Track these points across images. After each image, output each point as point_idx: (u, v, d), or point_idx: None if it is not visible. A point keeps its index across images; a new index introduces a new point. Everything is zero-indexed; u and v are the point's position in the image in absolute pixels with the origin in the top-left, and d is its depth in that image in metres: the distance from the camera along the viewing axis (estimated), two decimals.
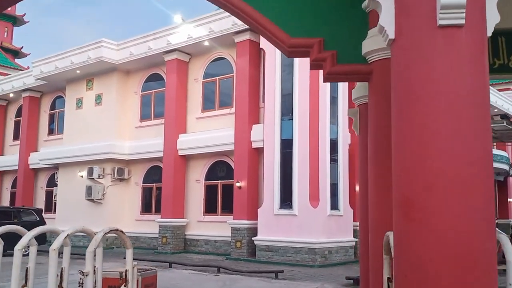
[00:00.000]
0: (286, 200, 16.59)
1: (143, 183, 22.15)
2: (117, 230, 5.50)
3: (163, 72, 21.45)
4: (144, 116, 22.34)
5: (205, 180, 19.93)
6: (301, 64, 16.64)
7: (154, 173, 21.84)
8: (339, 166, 17.24)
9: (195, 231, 19.70)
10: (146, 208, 21.98)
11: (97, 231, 4.94)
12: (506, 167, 25.62)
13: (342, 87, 17.50)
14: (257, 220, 17.03)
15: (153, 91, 22.17)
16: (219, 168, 19.74)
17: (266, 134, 17.16)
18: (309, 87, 16.54)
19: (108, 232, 5.32)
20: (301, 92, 16.64)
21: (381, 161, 4.16)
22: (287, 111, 17.01)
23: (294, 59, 16.78)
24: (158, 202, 21.01)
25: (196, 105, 20.45)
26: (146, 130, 21.94)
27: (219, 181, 19.57)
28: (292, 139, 16.63)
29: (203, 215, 19.73)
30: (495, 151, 24.90)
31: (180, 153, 20.11)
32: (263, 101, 17.80)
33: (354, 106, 19.02)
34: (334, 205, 16.80)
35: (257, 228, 16.97)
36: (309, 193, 16.12)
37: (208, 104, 20.26)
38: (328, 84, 16.80)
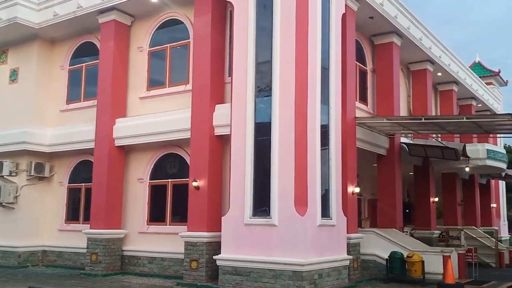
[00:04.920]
0: (261, 204, 12.46)
1: (69, 183, 18.07)
2: None
3: (98, 40, 17.20)
4: (73, 97, 18.29)
5: (150, 179, 15.94)
6: (283, 21, 12.49)
7: (84, 170, 17.73)
8: (331, 161, 13.20)
9: (136, 246, 15.70)
10: (72, 215, 17.87)
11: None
12: (503, 165, 22.13)
13: (335, 54, 13.44)
14: (220, 232, 13.05)
15: (84, 64, 18.15)
16: (170, 163, 15.72)
17: (235, 117, 13.08)
18: (295, 52, 12.33)
19: None
20: (283, 59, 12.48)
21: None
22: (263, 85, 12.85)
23: (274, 11, 12.54)
24: (88, 207, 16.81)
25: (140, 81, 16.38)
26: (75, 115, 17.89)
27: (169, 180, 15.53)
28: (270, 123, 12.54)
29: (147, 224, 15.70)
30: (489, 146, 21.54)
31: (117, 143, 16.01)
32: (230, 74, 13.68)
33: (345, 83, 14.38)
34: (325, 212, 12.74)
35: (220, 242, 13.01)
36: (294, 195, 11.95)
37: (156, 79, 16.13)
38: (318, 49, 12.73)
